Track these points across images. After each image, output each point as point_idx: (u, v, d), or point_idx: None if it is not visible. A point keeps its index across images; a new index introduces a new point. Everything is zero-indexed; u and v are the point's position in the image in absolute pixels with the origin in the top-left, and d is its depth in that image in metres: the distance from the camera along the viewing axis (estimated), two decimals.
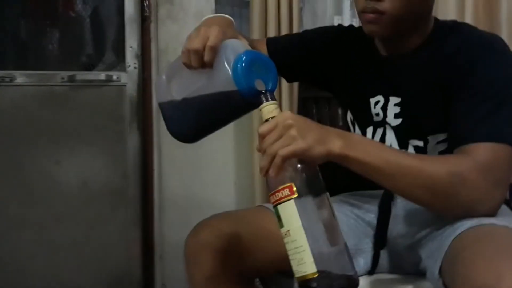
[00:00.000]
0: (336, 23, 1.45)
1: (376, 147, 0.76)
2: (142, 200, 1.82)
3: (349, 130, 1.02)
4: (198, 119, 0.85)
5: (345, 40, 1.01)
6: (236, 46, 0.78)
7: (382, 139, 0.93)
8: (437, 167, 0.73)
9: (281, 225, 0.69)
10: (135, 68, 1.80)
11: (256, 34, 1.70)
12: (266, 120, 0.71)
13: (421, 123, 0.88)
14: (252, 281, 0.95)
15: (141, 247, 1.81)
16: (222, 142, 1.82)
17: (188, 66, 0.81)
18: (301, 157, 0.69)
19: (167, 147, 1.83)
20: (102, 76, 1.76)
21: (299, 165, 0.70)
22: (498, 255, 0.60)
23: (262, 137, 0.70)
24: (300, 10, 1.81)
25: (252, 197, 1.75)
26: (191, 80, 0.82)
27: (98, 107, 1.80)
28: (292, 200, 0.67)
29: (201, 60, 0.78)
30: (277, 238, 0.85)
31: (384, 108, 0.92)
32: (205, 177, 1.85)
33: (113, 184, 1.80)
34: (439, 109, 0.84)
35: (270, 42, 1.09)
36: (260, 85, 0.74)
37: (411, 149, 0.90)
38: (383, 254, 0.92)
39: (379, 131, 0.94)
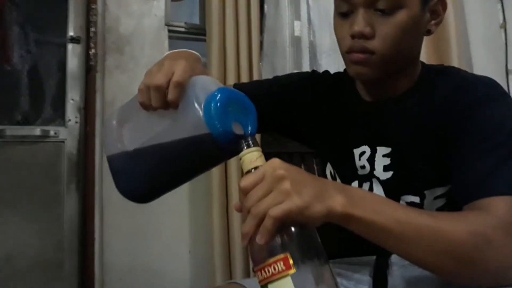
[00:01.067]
0: None
1: (383, 204, 0.65)
2: (80, 275, 1.66)
3: None
4: (155, 172, 0.72)
5: (322, 86, 0.94)
6: (208, 83, 0.68)
7: None
8: (456, 226, 0.63)
9: None
10: (76, 122, 1.72)
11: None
12: (248, 171, 0.59)
13: (417, 176, 0.80)
14: None
15: None
16: (176, 204, 1.71)
17: (146, 106, 0.70)
18: (297, 217, 0.57)
19: (111, 212, 1.70)
20: (37, 131, 1.65)
21: (293, 229, 0.57)
22: None
23: (244, 192, 0.58)
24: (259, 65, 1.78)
25: (210, 269, 1.61)
26: (148, 125, 0.71)
27: (31, 166, 1.67)
28: (289, 277, 0.54)
29: (163, 99, 0.68)
30: None
31: (371, 160, 0.84)
32: (155, 247, 1.73)
33: (45, 256, 1.63)
34: (436, 160, 0.78)
35: (237, 88, 0.97)
36: (238, 129, 0.64)
37: None
38: None
39: (365, 186, 0.85)
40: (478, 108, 0.74)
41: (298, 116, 0.94)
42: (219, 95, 0.64)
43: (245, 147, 0.60)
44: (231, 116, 0.64)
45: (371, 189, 0.83)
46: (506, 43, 2.27)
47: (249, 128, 0.65)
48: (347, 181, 0.87)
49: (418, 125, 0.80)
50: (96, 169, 1.67)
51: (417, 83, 0.83)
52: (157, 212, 1.68)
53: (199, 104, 0.64)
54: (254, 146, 0.60)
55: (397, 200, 0.81)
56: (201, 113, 0.63)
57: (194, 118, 0.64)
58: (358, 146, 0.85)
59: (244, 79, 1.67)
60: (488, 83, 0.78)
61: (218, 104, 0.63)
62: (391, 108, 0.83)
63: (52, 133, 1.66)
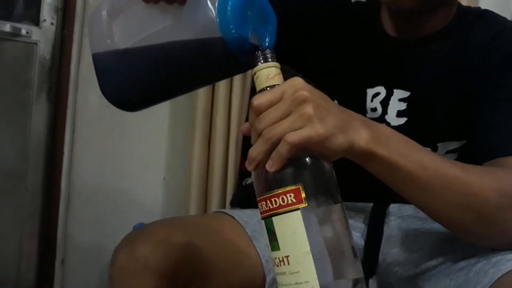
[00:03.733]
0: None
1: (411, 147, 0.60)
2: (45, 189, 1.61)
3: None
4: (150, 77, 0.65)
5: (343, 11, 0.86)
6: None
7: None
8: (485, 181, 0.60)
9: (275, 247, 0.50)
10: (52, 24, 1.61)
11: None
12: (263, 89, 0.53)
13: (433, 126, 0.77)
14: None
15: (37, 247, 1.59)
16: (154, 128, 1.63)
17: None
18: (316, 147, 0.51)
19: (83, 125, 1.62)
20: (6, 27, 1.52)
21: (307, 159, 0.51)
22: None
23: (257, 112, 0.52)
24: None
25: (185, 199, 1.56)
26: (146, 21, 0.63)
27: None
28: (299, 212, 0.49)
29: None
30: (246, 258, 0.73)
31: (385, 103, 0.79)
32: (127, 168, 1.66)
33: (7, 165, 1.57)
34: (457, 111, 0.74)
35: None
36: (254, 39, 0.57)
37: None
38: (372, 285, 0.79)
39: None
40: None
41: (311, 40, 0.85)
42: None
43: (262, 61, 0.53)
44: (249, 22, 0.56)
45: None
46: None
47: (268, 40, 0.57)
48: None
49: (446, 71, 0.75)
50: (71, 77, 1.59)
51: (450, 24, 0.77)
52: (134, 133, 1.61)
53: (212, 2, 0.56)
54: (272, 61, 0.53)
55: None
56: (214, 12, 0.56)
57: (204, 18, 0.56)
58: (372, 86, 0.79)
59: None
60: None
61: (236, 4, 0.55)
62: (418, 48, 0.77)
63: (23, 32, 1.55)
